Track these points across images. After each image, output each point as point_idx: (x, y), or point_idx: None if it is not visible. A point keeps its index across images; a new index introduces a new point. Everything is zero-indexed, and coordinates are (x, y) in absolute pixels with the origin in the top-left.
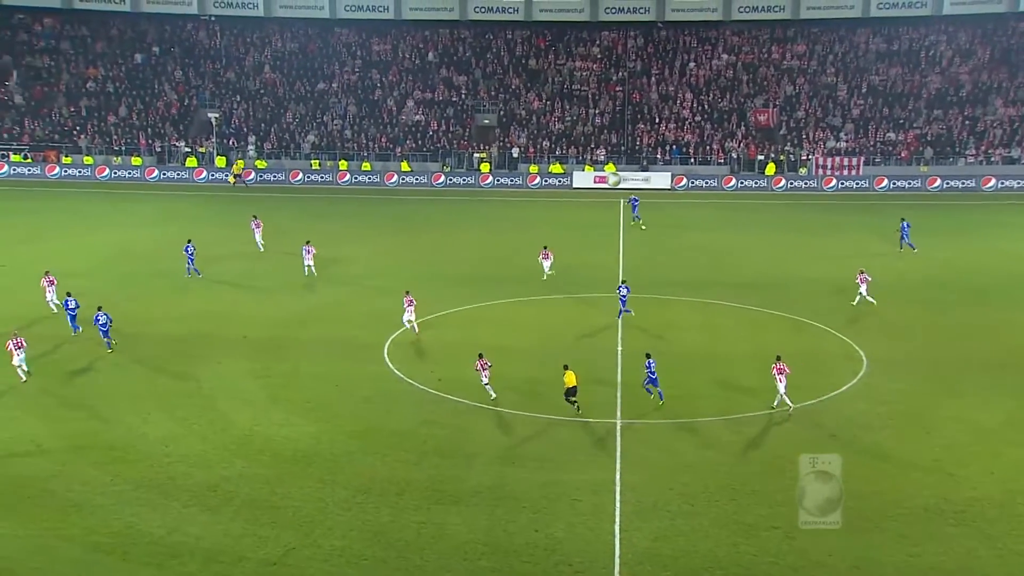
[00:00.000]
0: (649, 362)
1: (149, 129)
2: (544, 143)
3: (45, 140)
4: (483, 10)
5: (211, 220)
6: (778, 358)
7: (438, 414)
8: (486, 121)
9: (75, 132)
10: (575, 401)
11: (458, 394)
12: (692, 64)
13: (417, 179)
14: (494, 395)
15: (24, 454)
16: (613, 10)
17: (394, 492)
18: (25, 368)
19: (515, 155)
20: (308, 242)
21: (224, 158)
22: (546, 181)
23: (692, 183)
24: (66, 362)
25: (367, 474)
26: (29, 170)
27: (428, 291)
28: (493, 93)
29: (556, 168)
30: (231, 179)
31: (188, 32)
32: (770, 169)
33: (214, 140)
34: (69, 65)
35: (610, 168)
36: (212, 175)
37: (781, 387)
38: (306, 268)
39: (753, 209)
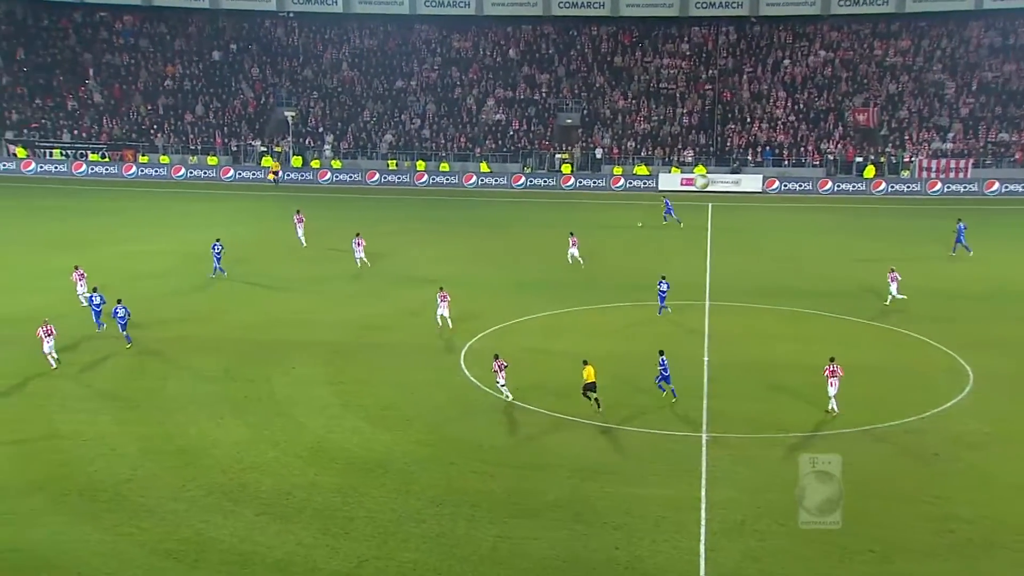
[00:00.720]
0: (662, 360)
1: (225, 128)
2: (629, 144)
3: (123, 139)
4: (567, 5)
5: (287, 220)
6: (831, 360)
7: (515, 424)
8: (569, 121)
9: (152, 131)
10: (596, 398)
11: (536, 403)
12: (787, 61)
13: (496, 180)
14: (510, 397)
15: (98, 456)
16: (704, 4)
17: (469, 504)
18: (55, 356)
19: (598, 156)
20: (358, 234)
21: (300, 158)
22: (630, 183)
23: (785, 186)
24: (137, 364)
25: (442, 485)
26: (106, 169)
27: (506, 296)
28: (576, 92)
29: (641, 170)
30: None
31: (266, 29)
32: (869, 172)
33: (290, 139)
34: (147, 63)
35: (699, 170)
36: (288, 175)
37: (832, 390)
38: (358, 260)
39: (850, 214)
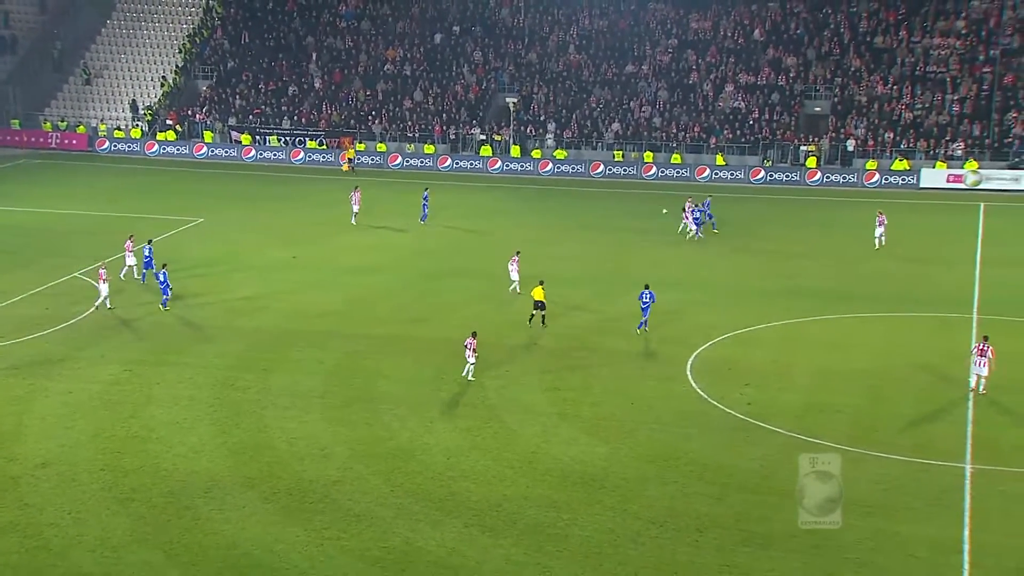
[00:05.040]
0: (645, 292)
1: (444, 115)
2: (887, 135)
3: (340, 126)
4: None
5: (530, 216)
6: (985, 338)
7: (746, 443)
8: (817, 109)
9: (370, 118)
10: (539, 315)
11: (772, 422)
12: None
13: (732, 174)
14: (470, 378)
15: (307, 456)
16: None
17: (693, 528)
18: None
19: (850, 148)
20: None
21: (518, 147)
22: (886, 179)
23: None
24: (346, 363)
25: (663, 505)
26: (323, 157)
27: (743, 303)
28: (828, 76)
29: (900, 164)
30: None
31: (491, 10)
32: None
33: (511, 128)
34: (368, 46)
35: (970, 165)
36: (507, 165)
37: (976, 369)
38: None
39: None
